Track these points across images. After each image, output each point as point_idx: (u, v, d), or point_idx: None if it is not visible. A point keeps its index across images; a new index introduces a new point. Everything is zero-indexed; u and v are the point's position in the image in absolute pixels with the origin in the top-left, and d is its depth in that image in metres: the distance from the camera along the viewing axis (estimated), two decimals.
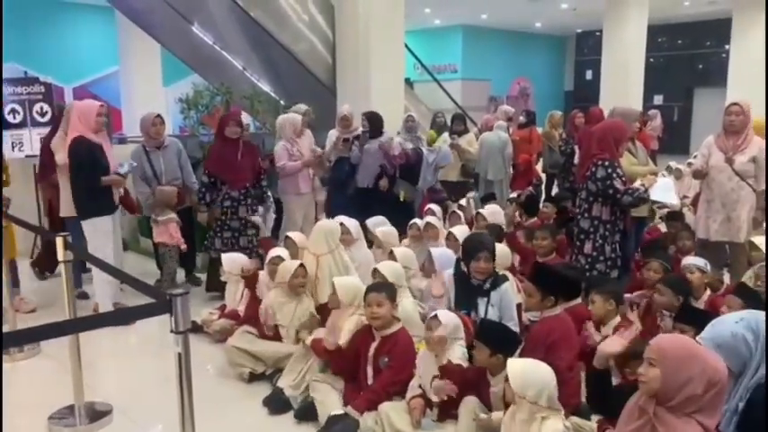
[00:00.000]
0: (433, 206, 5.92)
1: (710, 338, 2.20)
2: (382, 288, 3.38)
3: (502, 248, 4.42)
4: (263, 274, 4.47)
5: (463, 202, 6.63)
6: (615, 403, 2.32)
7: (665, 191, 4.36)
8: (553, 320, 3.26)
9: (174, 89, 11.57)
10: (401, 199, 6.48)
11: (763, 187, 4.85)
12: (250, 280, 4.42)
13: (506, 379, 2.50)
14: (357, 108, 6.78)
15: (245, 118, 7.18)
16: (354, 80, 7.89)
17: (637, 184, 4.29)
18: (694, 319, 2.95)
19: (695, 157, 5.52)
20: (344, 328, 3.55)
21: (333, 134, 6.47)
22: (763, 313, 2.39)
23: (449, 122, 8.28)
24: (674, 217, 5.58)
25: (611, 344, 2.49)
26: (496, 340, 2.89)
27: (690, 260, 4.18)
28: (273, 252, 4.47)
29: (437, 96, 12.15)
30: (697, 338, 2.25)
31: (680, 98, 18.62)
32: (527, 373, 2.49)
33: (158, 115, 5.45)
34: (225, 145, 5.36)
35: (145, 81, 13.32)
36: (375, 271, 3.94)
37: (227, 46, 8.80)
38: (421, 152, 6.82)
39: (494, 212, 5.73)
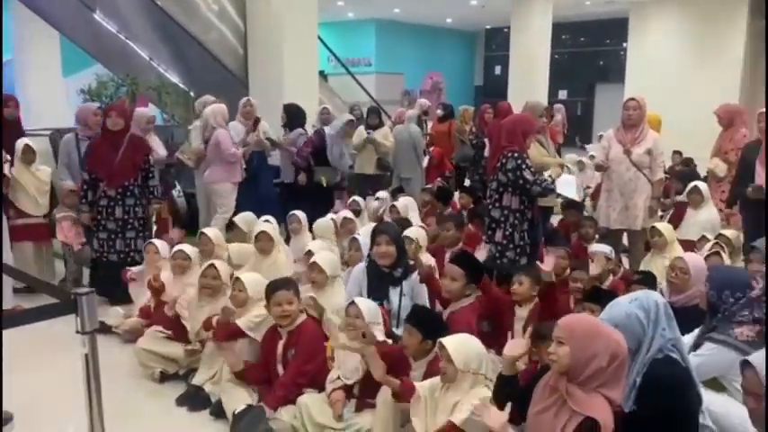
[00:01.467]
0: (358, 198, 5.98)
1: (608, 319, 2.34)
2: (290, 285, 3.35)
3: (417, 229, 4.62)
4: (165, 274, 4.26)
5: (381, 194, 6.67)
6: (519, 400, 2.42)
7: (566, 185, 4.61)
8: (469, 309, 3.40)
9: (75, 80, 10.96)
10: (324, 185, 6.47)
11: (658, 177, 5.18)
12: (156, 290, 4.21)
13: (444, 358, 2.54)
14: (270, 100, 6.71)
15: (152, 110, 6.93)
16: (267, 72, 7.78)
17: (545, 175, 4.48)
18: (601, 299, 3.13)
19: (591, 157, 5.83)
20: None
21: (236, 126, 6.33)
22: (653, 293, 2.57)
23: (364, 116, 8.32)
24: (572, 207, 5.88)
25: (514, 347, 2.58)
26: (429, 326, 2.92)
27: (596, 248, 4.43)
28: (177, 247, 4.32)
29: (352, 89, 12.17)
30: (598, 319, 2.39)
31: (583, 93, 19.51)
32: (465, 346, 2.56)
33: (99, 106, 5.58)
34: (105, 139, 5.06)
35: (42, 71, 12.51)
36: (313, 264, 3.88)
37: (132, 35, 8.45)
38: (322, 131, 6.79)
39: (405, 205, 5.83)
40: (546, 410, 2.13)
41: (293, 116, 6.51)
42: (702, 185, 5.59)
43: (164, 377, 3.75)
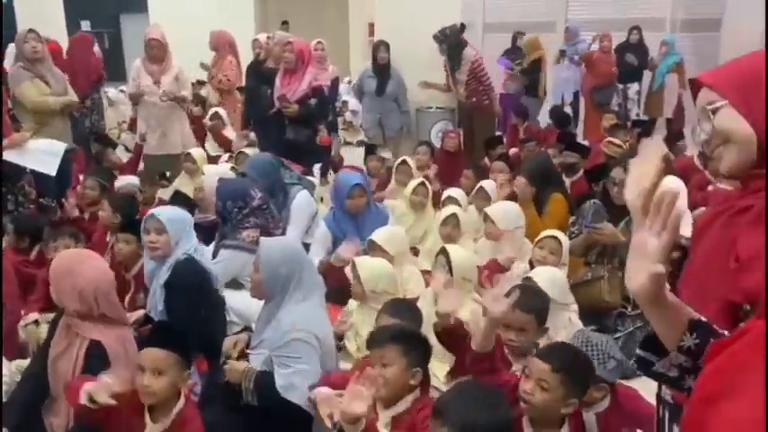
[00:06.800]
0: None
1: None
2: None
3: None
4: None
5: None
6: None
7: None
8: None
9: None
10: None
11: (185, 94, 5.45)
12: None
13: None
14: None
15: None
16: None
17: None
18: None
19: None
20: None
21: None
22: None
23: None
24: (103, 141, 5.79)
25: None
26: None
27: (125, 179, 4.48)
28: None
29: None
30: None
31: (108, 24, 18.49)
32: None
33: None
34: None
35: None
36: None
37: None
38: None
39: None
40: (64, 352, 2.16)
41: None
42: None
43: None
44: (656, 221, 0.95)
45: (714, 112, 1.19)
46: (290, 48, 4.98)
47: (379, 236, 3.22)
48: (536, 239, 3.20)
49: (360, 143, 8.36)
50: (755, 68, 1.20)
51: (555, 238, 3.11)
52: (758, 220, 1.18)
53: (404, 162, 4.66)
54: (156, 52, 5.26)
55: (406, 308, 2.49)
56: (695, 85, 1.28)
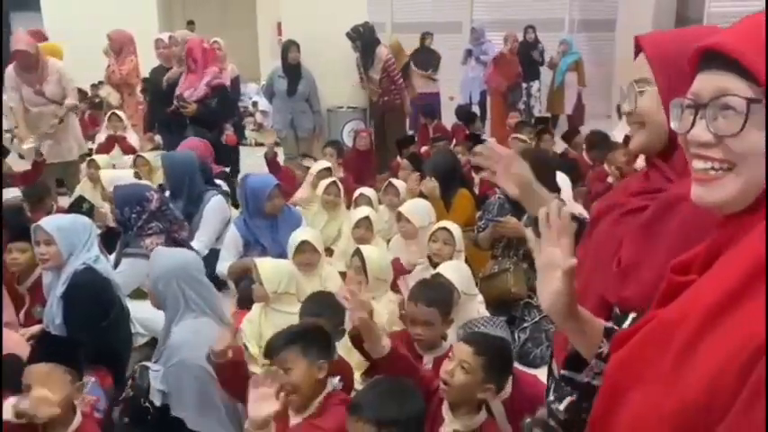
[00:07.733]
0: None
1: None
2: None
3: None
4: None
5: None
6: None
7: None
8: None
9: None
10: None
11: (71, 102, 5.18)
12: None
13: None
14: None
15: None
16: None
17: None
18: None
19: None
20: None
21: None
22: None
23: None
24: None
25: None
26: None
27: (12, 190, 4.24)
28: None
29: None
30: None
31: None
32: None
33: None
34: None
35: None
36: None
37: None
38: None
39: None
40: None
41: None
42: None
43: None
44: (551, 234, 0.97)
45: (641, 93, 1.20)
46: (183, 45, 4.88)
47: (308, 236, 3.20)
48: (429, 234, 3.21)
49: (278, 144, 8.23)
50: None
51: (445, 228, 3.16)
52: (646, 225, 1.18)
53: (328, 169, 4.60)
54: (26, 62, 4.89)
55: (325, 304, 2.46)
56: (638, 45, 1.25)
